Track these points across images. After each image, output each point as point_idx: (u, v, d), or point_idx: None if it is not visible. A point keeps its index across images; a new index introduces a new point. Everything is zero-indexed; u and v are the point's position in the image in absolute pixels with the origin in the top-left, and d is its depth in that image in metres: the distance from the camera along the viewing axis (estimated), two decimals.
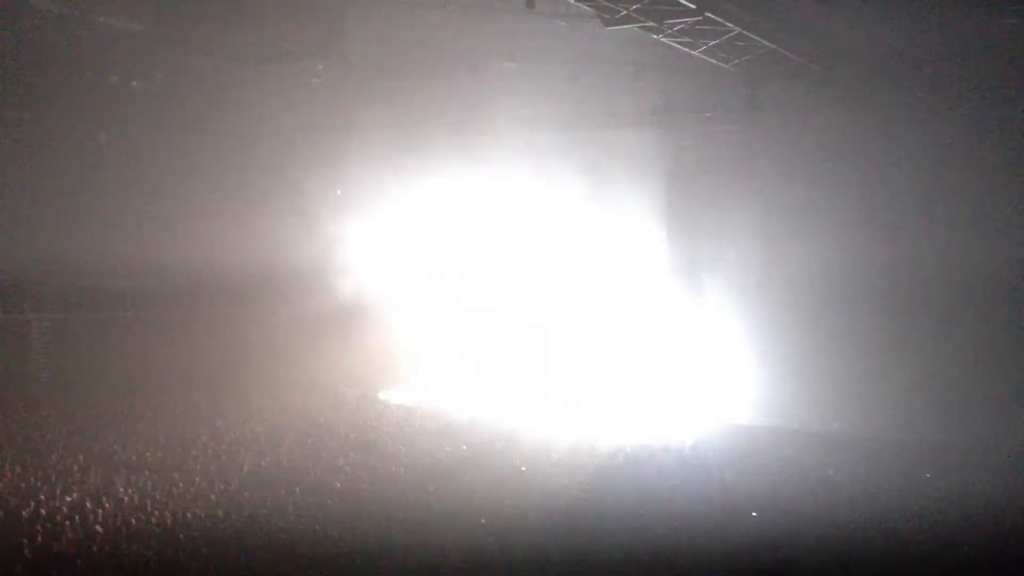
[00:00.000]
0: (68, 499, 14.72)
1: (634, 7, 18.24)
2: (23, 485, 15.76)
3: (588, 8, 18.30)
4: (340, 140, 29.61)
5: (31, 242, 25.51)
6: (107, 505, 14.45)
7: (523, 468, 19.37)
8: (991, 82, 22.15)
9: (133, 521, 13.56)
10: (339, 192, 29.61)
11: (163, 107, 25.67)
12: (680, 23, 19.02)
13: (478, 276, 30.71)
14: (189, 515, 13.97)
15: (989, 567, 13.19)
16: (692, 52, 20.98)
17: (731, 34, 20.03)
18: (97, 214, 26.28)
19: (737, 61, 22.14)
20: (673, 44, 20.26)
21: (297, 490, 16.09)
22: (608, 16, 18.68)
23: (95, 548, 12.09)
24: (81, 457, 18.33)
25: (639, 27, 19.01)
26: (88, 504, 14.34)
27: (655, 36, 19.53)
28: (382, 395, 29.65)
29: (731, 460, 20.53)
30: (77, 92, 24.51)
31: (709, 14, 18.59)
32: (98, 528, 13.09)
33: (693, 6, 18.13)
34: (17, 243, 25.15)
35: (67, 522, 13.16)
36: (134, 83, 25.00)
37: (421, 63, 23.45)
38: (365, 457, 19.55)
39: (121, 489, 15.59)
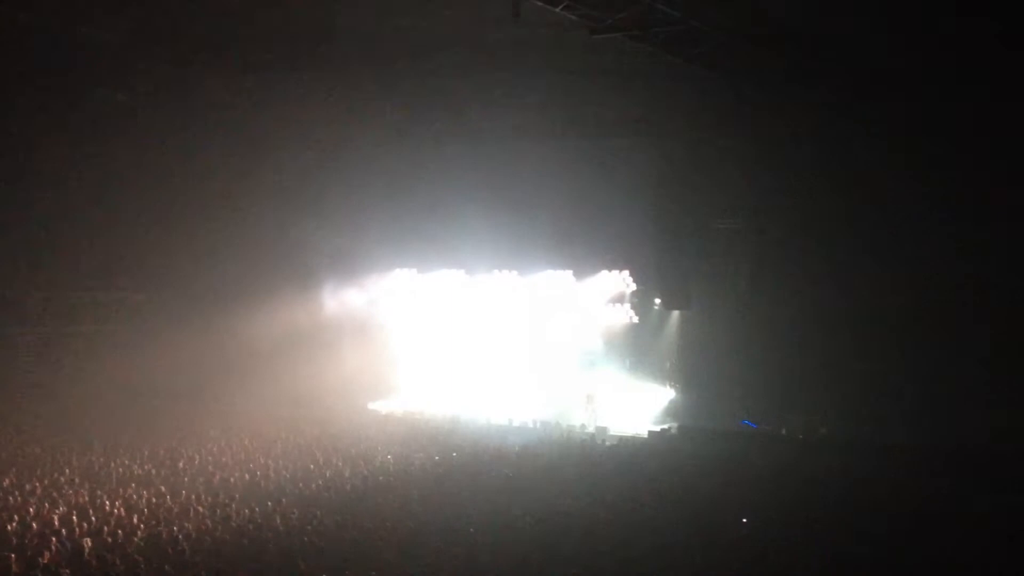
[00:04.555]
0: (56, 513, 14.63)
1: (619, 16, 18.29)
2: (10, 499, 15.67)
3: (574, 17, 18.32)
4: (327, 149, 29.58)
5: (17, 255, 25.40)
6: (94, 519, 14.37)
7: (509, 474, 19.37)
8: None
9: (121, 534, 13.49)
10: (327, 204, 29.61)
11: (149, 119, 25.60)
12: (665, 31, 19.07)
13: (467, 285, 30.73)
14: (177, 528, 13.90)
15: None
16: (678, 60, 21.00)
17: (715, 42, 20.07)
18: (83, 226, 26.18)
19: (723, 69, 22.16)
20: (659, 52, 20.28)
21: (283, 501, 16.04)
22: (594, 25, 18.73)
23: (83, 562, 12.00)
24: (68, 470, 18.26)
25: (625, 35, 19.07)
26: (75, 518, 14.25)
27: (641, 44, 19.56)
28: (371, 405, 29.61)
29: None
30: (61, 104, 24.42)
31: (693, 22, 18.68)
32: (86, 541, 13.00)
33: (677, 14, 18.19)
34: (3, 257, 25.04)
35: (54, 536, 13.06)
36: (119, 95, 24.88)
37: (407, 72, 23.51)
38: (353, 467, 19.52)
39: (108, 502, 15.52)
